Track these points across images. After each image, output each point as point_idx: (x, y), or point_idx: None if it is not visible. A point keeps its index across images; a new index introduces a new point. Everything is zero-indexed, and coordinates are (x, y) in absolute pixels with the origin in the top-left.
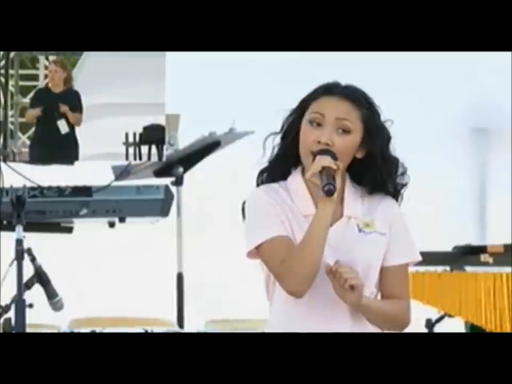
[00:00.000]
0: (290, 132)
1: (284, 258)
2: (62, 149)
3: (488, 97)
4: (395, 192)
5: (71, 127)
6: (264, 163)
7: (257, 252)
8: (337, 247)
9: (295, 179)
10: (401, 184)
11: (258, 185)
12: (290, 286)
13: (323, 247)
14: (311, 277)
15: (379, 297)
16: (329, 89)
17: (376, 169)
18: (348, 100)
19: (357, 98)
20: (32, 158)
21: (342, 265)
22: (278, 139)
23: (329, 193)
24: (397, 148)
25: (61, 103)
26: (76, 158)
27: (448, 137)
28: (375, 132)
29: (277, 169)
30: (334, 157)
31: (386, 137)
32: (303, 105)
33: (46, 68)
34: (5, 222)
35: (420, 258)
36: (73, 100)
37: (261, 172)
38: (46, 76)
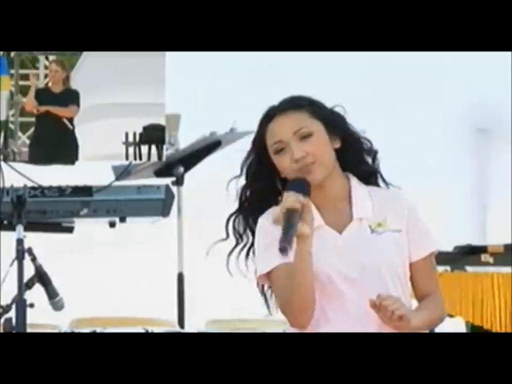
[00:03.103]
0: (262, 169)
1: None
2: (61, 149)
3: (488, 97)
4: (374, 173)
5: (71, 123)
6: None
7: (264, 279)
8: (352, 251)
9: None
10: (376, 167)
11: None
12: (290, 322)
13: (311, 282)
14: (305, 310)
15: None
16: (269, 115)
17: (353, 150)
18: (289, 111)
19: (296, 104)
20: (31, 158)
21: (385, 297)
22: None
23: (283, 252)
24: (398, 147)
25: (62, 102)
26: (76, 157)
27: (448, 137)
28: (332, 119)
29: (256, 211)
30: (305, 186)
31: (343, 119)
32: (257, 143)
33: (46, 67)
34: (5, 222)
35: (437, 246)
36: (72, 99)
37: (244, 215)
38: (46, 76)
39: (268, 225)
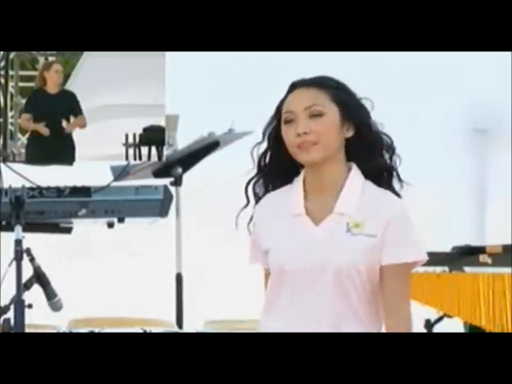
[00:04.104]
0: (276, 139)
1: None
2: (58, 150)
3: (488, 97)
4: (389, 170)
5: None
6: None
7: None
8: (323, 245)
9: (297, 180)
10: (392, 165)
11: (256, 197)
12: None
13: None
14: None
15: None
16: (293, 86)
17: (366, 143)
18: (311, 87)
19: (321, 82)
20: (28, 159)
21: None
22: (261, 149)
23: None
24: (397, 147)
25: (59, 104)
26: (73, 158)
27: (448, 138)
28: (352, 107)
29: (275, 177)
30: None
31: (366, 111)
32: (278, 110)
33: (44, 68)
34: (4, 223)
35: (421, 257)
36: (70, 101)
37: (254, 183)
38: (42, 77)
39: (255, 215)
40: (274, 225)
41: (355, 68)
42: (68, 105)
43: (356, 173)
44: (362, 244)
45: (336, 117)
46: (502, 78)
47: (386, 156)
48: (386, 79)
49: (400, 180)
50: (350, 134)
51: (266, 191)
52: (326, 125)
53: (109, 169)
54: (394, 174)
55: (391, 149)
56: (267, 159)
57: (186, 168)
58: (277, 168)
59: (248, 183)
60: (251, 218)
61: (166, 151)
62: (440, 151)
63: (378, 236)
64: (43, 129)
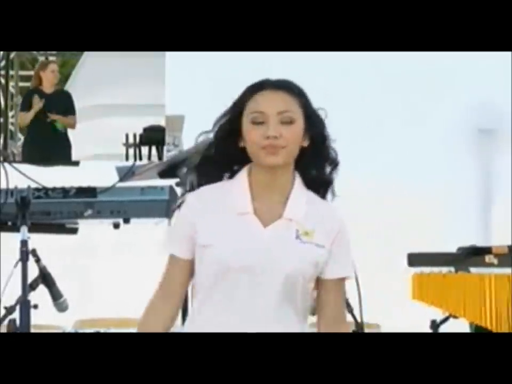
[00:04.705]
0: (229, 133)
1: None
2: (54, 150)
3: (492, 98)
4: (329, 183)
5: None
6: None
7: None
8: (271, 248)
9: (240, 177)
10: (331, 178)
11: (191, 188)
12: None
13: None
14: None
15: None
16: (261, 85)
17: (317, 155)
18: (281, 91)
19: (289, 87)
20: (24, 158)
21: None
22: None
23: None
24: (401, 148)
25: (54, 103)
26: (69, 158)
27: (452, 138)
28: (313, 117)
29: (212, 171)
30: None
31: (323, 123)
32: (239, 106)
33: (40, 67)
34: (9, 223)
35: (352, 274)
36: (65, 101)
37: (193, 173)
38: (38, 76)
39: (188, 207)
40: (216, 221)
41: (357, 69)
42: (63, 104)
43: (299, 181)
44: (311, 253)
45: (302, 126)
46: (504, 79)
47: (328, 169)
48: (388, 80)
49: (333, 193)
50: (306, 144)
51: (200, 182)
52: (294, 132)
53: (115, 169)
54: (331, 187)
55: (335, 163)
56: (213, 150)
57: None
58: (221, 161)
59: (194, 171)
60: (179, 206)
61: (171, 152)
62: (445, 152)
63: (326, 247)
64: (38, 105)
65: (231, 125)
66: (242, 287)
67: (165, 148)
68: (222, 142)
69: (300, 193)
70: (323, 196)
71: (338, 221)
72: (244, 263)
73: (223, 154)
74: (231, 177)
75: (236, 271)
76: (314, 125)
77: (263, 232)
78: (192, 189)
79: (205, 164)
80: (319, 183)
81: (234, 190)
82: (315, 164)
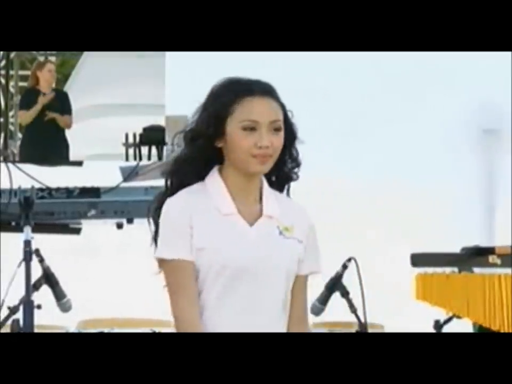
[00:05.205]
0: (212, 134)
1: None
2: (51, 149)
3: (495, 98)
4: (290, 182)
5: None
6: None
7: (159, 263)
8: (261, 245)
9: (215, 179)
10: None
11: (168, 189)
12: (175, 324)
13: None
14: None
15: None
16: (250, 90)
17: (286, 155)
18: (270, 97)
19: (275, 93)
20: (22, 158)
21: None
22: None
23: None
24: (405, 149)
25: (51, 103)
26: (67, 158)
27: (456, 138)
28: (288, 120)
29: (191, 170)
30: None
31: (294, 124)
32: (224, 108)
33: (37, 67)
34: (13, 223)
35: (320, 270)
36: (62, 101)
37: (170, 174)
38: (35, 76)
39: (179, 208)
40: (206, 223)
41: (357, 68)
42: (60, 104)
43: (264, 180)
44: (295, 248)
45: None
46: (508, 79)
47: (290, 166)
48: (390, 80)
49: (288, 193)
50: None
51: (180, 184)
52: (281, 140)
53: (118, 170)
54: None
55: (297, 162)
56: (195, 151)
57: None
58: (199, 160)
59: (171, 172)
60: (158, 208)
61: (175, 152)
62: (448, 152)
63: (304, 242)
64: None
65: (214, 126)
66: (238, 287)
67: (166, 147)
68: (202, 141)
69: (269, 191)
70: (281, 193)
71: (308, 218)
72: (237, 263)
73: (202, 154)
74: (197, 178)
75: (231, 271)
76: (289, 128)
77: (250, 231)
78: (171, 191)
79: (182, 164)
80: (283, 181)
81: (213, 192)
82: (283, 163)
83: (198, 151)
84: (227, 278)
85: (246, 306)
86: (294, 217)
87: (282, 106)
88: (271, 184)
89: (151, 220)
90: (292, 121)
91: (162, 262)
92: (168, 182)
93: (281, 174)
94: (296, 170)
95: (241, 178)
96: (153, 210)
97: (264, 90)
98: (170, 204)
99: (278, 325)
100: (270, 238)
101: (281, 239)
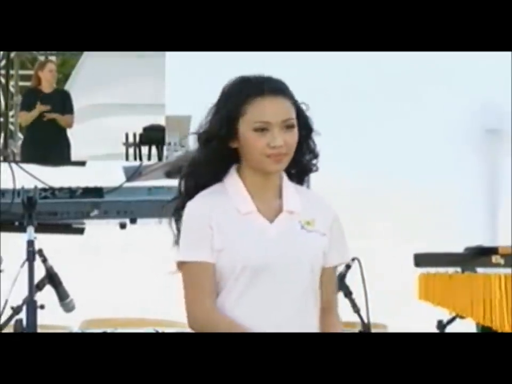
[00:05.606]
0: (224, 135)
1: (206, 308)
2: (53, 149)
3: (498, 97)
4: (308, 172)
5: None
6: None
7: (179, 266)
8: (281, 242)
9: (233, 179)
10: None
11: (183, 192)
12: (189, 322)
13: None
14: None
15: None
16: (260, 90)
17: (303, 147)
18: (282, 96)
19: (286, 91)
20: (23, 158)
21: None
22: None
23: None
24: (408, 149)
25: (53, 102)
26: (68, 158)
27: (459, 138)
28: (302, 115)
29: (207, 172)
30: None
31: (310, 119)
32: (236, 109)
33: (39, 67)
34: (16, 223)
35: (347, 259)
36: (64, 100)
37: (185, 176)
38: (37, 76)
39: (199, 212)
40: (226, 224)
41: (358, 69)
42: (61, 103)
43: (284, 175)
44: (318, 241)
45: (296, 127)
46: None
47: (308, 158)
48: (391, 80)
49: (308, 184)
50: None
51: (197, 185)
52: (295, 137)
53: (121, 169)
54: (306, 178)
55: (314, 154)
56: (210, 153)
57: None
58: (215, 161)
59: (185, 175)
60: (177, 212)
61: (178, 152)
62: (451, 152)
63: (327, 235)
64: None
65: (226, 127)
66: (260, 284)
67: (168, 147)
68: (216, 143)
69: (290, 186)
70: (301, 186)
71: (331, 210)
72: (258, 261)
73: (217, 155)
74: (223, 177)
75: (252, 270)
76: (303, 122)
77: (270, 228)
78: (188, 193)
79: (198, 166)
80: (302, 173)
81: (232, 192)
82: (301, 156)
83: (213, 152)
84: (248, 277)
85: (267, 303)
86: (316, 210)
87: (295, 103)
88: (291, 177)
89: (173, 223)
90: (306, 114)
91: (181, 264)
92: (183, 185)
93: (300, 166)
94: (314, 162)
95: (259, 177)
96: (172, 214)
97: (275, 89)
98: (191, 206)
99: (302, 319)
100: (291, 233)
101: (303, 233)
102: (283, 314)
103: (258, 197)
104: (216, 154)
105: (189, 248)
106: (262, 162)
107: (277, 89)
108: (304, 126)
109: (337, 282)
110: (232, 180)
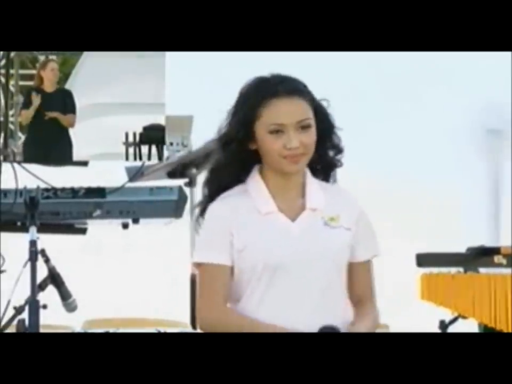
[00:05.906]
0: (242, 137)
1: (221, 307)
2: (55, 149)
3: (500, 97)
4: (335, 167)
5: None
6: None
7: (196, 266)
8: (304, 239)
9: (255, 180)
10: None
11: (206, 194)
12: (200, 322)
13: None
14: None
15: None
16: (275, 91)
17: (325, 143)
18: (297, 97)
19: (302, 91)
20: (26, 158)
21: None
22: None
23: None
24: (410, 150)
25: (55, 102)
26: (70, 157)
27: (461, 139)
28: (321, 112)
29: (228, 174)
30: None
31: (330, 115)
32: (251, 111)
33: (41, 67)
34: (19, 223)
35: (379, 252)
36: (66, 99)
37: (207, 179)
38: (39, 76)
39: (219, 214)
40: (247, 225)
41: (359, 69)
42: (63, 103)
43: (308, 171)
44: (342, 236)
45: (315, 126)
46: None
47: (332, 153)
48: (393, 81)
49: (335, 179)
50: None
51: (219, 188)
52: (312, 137)
53: (124, 170)
54: (332, 173)
55: (338, 149)
56: (229, 155)
57: (200, 168)
58: (235, 163)
59: (207, 177)
60: (202, 215)
61: (180, 152)
62: (453, 152)
63: (352, 230)
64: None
65: (244, 130)
66: (284, 283)
67: (168, 147)
68: (235, 145)
69: (313, 182)
70: (328, 181)
71: (356, 204)
72: (280, 260)
73: (237, 157)
74: (245, 178)
75: (273, 269)
76: (323, 119)
77: (292, 226)
78: (210, 195)
79: (219, 169)
80: (327, 169)
81: (254, 192)
82: (325, 152)
83: (232, 154)
84: (270, 276)
85: (291, 301)
86: (341, 206)
87: (312, 102)
88: (317, 173)
89: (198, 227)
90: (326, 111)
91: (198, 265)
92: (207, 188)
93: (325, 162)
94: (339, 157)
95: (280, 177)
96: (197, 217)
97: (289, 89)
98: (211, 209)
99: (325, 314)
100: (313, 230)
101: (326, 229)
102: (305, 311)
103: (280, 197)
104: (236, 156)
105: (207, 249)
106: (279, 163)
107: (291, 89)
108: (324, 123)
109: (371, 277)
110: (254, 181)
